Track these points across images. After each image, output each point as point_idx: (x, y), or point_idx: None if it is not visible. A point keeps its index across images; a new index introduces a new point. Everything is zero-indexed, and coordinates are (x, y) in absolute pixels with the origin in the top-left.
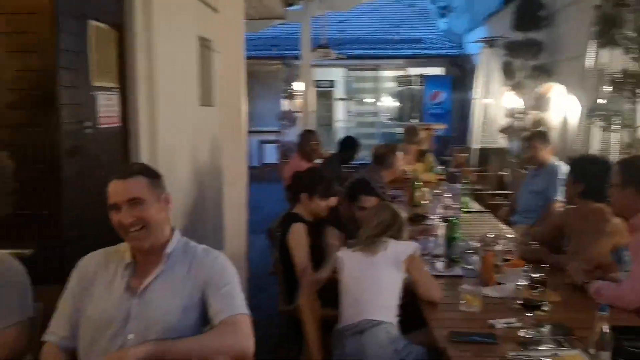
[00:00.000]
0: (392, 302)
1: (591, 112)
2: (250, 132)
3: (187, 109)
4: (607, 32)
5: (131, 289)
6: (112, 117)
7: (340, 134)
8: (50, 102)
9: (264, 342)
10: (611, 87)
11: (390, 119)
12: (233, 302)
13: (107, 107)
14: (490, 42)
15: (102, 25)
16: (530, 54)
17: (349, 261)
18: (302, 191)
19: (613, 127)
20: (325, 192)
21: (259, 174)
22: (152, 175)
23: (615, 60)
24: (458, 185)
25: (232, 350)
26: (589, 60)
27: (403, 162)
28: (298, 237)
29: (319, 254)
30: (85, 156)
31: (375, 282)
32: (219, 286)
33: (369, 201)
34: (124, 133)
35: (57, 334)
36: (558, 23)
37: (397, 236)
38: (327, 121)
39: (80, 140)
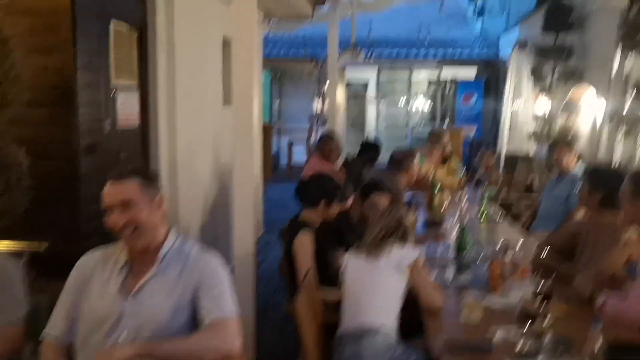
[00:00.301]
0: (392, 307)
1: (615, 118)
2: (281, 131)
3: (210, 108)
4: (632, 37)
5: (125, 289)
6: (131, 115)
7: (371, 135)
8: (69, 100)
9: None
10: (635, 94)
11: (422, 120)
12: (222, 304)
13: (126, 105)
14: (521, 45)
15: (123, 25)
16: (561, 57)
17: (352, 264)
18: (323, 197)
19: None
20: (342, 197)
21: (287, 173)
22: (146, 177)
23: (639, 67)
24: (479, 191)
25: (218, 352)
26: (615, 66)
27: (422, 167)
28: (304, 246)
29: (323, 258)
30: (103, 153)
31: (375, 286)
32: (210, 288)
33: (382, 199)
34: (144, 131)
35: (56, 329)
36: (588, 27)
37: (401, 240)
38: (359, 121)
39: (98, 138)
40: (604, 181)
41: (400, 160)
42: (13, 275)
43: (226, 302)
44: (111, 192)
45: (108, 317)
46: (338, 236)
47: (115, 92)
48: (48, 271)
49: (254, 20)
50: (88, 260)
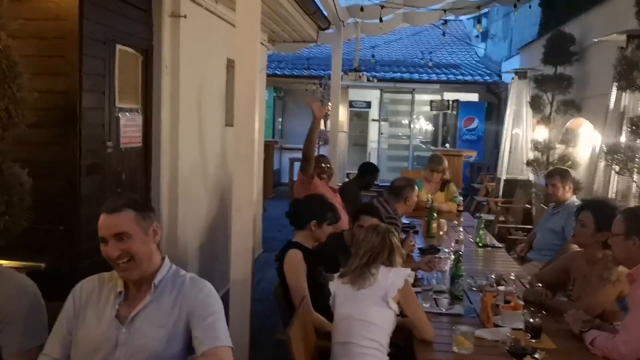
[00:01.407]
0: (382, 340)
1: (609, 153)
2: (283, 149)
3: (212, 130)
4: (627, 75)
5: (120, 317)
6: (134, 137)
7: (373, 155)
8: (72, 122)
9: None
10: (630, 130)
11: (424, 142)
12: (215, 334)
13: (129, 127)
14: (521, 73)
15: (129, 49)
16: (559, 88)
17: (340, 294)
18: (312, 219)
19: (629, 170)
20: (333, 218)
21: (289, 192)
22: (140, 209)
23: (635, 103)
24: (477, 218)
25: None
26: (611, 101)
27: (421, 193)
28: (294, 264)
29: (317, 281)
30: (105, 174)
31: (364, 321)
32: (203, 317)
33: (370, 222)
34: (146, 152)
35: (50, 355)
36: (587, 59)
37: (388, 262)
38: (362, 141)
39: (101, 159)
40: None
41: (400, 188)
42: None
43: (219, 332)
44: (106, 224)
45: (103, 345)
46: (331, 259)
47: (118, 114)
48: (46, 291)
49: (257, 43)
50: (84, 286)
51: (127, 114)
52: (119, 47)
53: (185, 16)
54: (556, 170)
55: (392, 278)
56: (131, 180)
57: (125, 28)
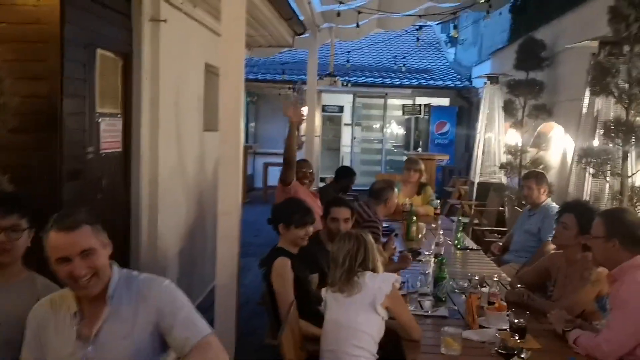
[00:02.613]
0: (371, 347)
1: (583, 157)
2: (256, 153)
3: (191, 135)
4: (601, 80)
5: (83, 337)
6: (114, 142)
7: (346, 159)
8: (53, 127)
9: None
10: (603, 133)
11: (396, 146)
12: (195, 326)
13: (109, 132)
14: (493, 78)
15: (109, 53)
16: (531, 93)
17: (330, 301)
18: (279, 222)
19: (603, 173)
20: (300, 220)
21: (262, 196)
22: (94, 222)
23: (608, 108)
24: (454, 221)
25: None
26: (584, 105)
27: (399, 195)
28: (281, 272)
29: (303, 287)
30: (86, 180)
31: (352, 328)
32: (173, 315)
33: (340, 212)
34: (125, 157)
35: None
36: (558, 65)
37: (368, 261)
38: (334, 145)
39: (81, 165)
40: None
41: (379, 190)
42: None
43: (198, 323)
44: (67, 241)
45: None
46: (312, 260)
47: (99, 119)
48: None
49: (242, 50)
50: (38, 313)
51: (108, 118)
52: (99, 51)
53: (165, 21)
54: (532, 173)
55: (379, 284)
56: (111, 186)
57: (105, 32)
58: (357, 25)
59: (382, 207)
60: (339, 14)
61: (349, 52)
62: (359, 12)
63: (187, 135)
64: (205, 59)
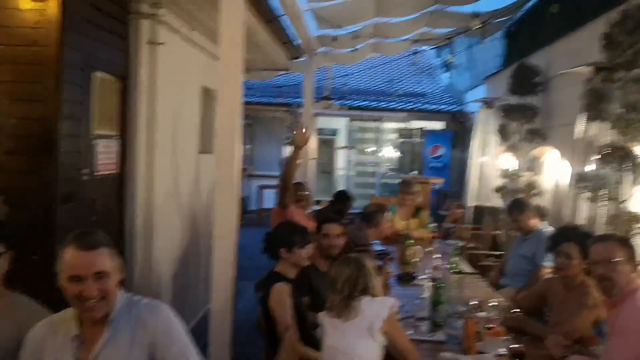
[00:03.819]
0: None
1: (578, 181)
2: (251, 176)
3: (187, 157)
4: (596, 105)
5: None
6: (110, 164)
7: (340, 182)
8: (49, 150)
9: None
10: (598, 158)
11: (391, 169)
12: None
13: (105, 154)
14: (487, 103)
15: (107, 75)
16: (525, 117)
17: (327, 326)
18: (280, 247)
19: (599, 198)
20: (303, 239)
21: (256, 219)
22: (112, 245)
23: (603, 133)
24: (450, 244)
25: None
26: (579, 130)
27: (395, 218)
28: (280, 298)
29: (300, 313)
30: (80, 202)
31: (350, 355)
32: (168, 347)
33: (331, 228)
34: (121, 180)
35: None
36: (552, 90)
37: (368, 288)
38: (328, 169)
39: (76, 187)
40: None
41: (371, 214)
42: None
43: (191, 356)
44: (84, 261)
45: None
46: (307, 282)
47: (95, 141)
48: None
49: (240, 73)
50: (37, 334)
51: (104, 140)
52: (96, 73)
53: (163, 43)
54: (512, 204)
55: (376, 309)
56: (105, 208)
57: (103, 54)
58: (355, 50)
59: (374, 230)
60: (335, 39)
61: (344, 75)
62: (355, 37)
63: (183, 157)
64: (202, 82)
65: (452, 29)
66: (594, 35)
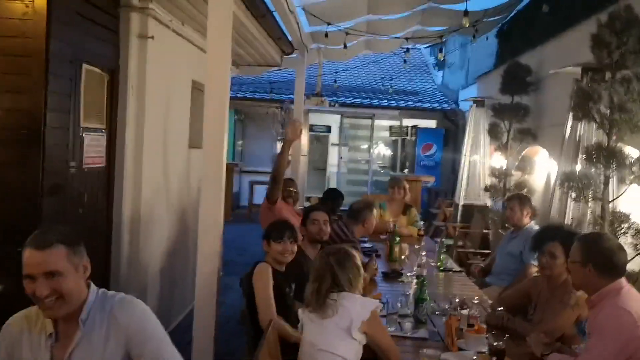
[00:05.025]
0: None
1: (566, 181)
2: (242, 172)
3: (176, 152)
4: (583, 105)
5: (56, 359)
6: (98, 157)
7: (333, 179)
8: (35, 141)
9: None
10: (585, 158)
11: (383, 167)
12: (162, 358)
13: (93, 147)
14: (479, 102)
15: (95, 69)
16: (516, 117)
17: (306, 322)
18: (263, 240)
19: (585, 198)
20: (277, 234)
21: (247, 215)
22: (72, 244)
23: (590, 133)
24: (437, 243)
25: None
26: (567, 130)
27: (384, 214)
28: (261, 276)
29: (285, 303)
30: (67, 195)
31: (329, 353)
32: (143, 344)
33: (318, 214)
34: (109, 173)
35: None
36: (543, 90)
37: (344, 284)
38: (321, 165)
39: (63, 180)
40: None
41: (357, 210)
42: None
43: (166, 353)
44: (35, 261)
45: None
46: (298, 271)
47: (83, 134)
48: (3, 313)
49: (228, 67)
50: (12, 328)
51: (92, 134)
52: (85, 66)
53: (152, 37)
54: (515, 195)
55: (357, 309)
56: (93, 201)
57: (92, 47)
58: (345, 47)
59: (360, 227)
60: (326, 35)
61: (336, 72)
62: (347, 34)
63: (172, 151)
64: (192, 76)
65: (444, 28)
66: (584, 36)
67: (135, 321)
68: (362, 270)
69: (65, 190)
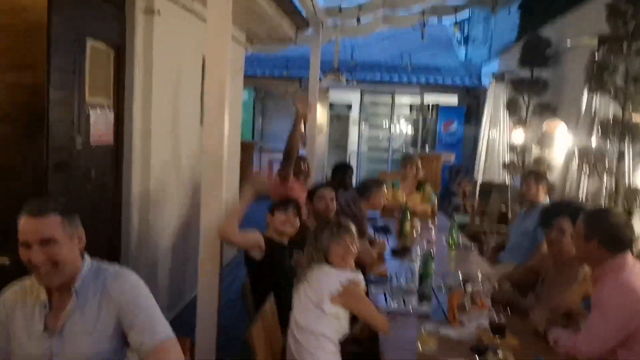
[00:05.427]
0: (327, 343)
1: (581, 155)
2: (262, 150)
3: (187, 129)
4: (598, 78)
5: (49, 329)
6: (105, 134)
7: (353, 157)
8: (39, 118)
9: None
10: (600, 132)
11: (404, 144)
12: (153, 330)
13: (100, 124)
14: (499, 77)
15: (100, 44)
16: (535, 91)
17: (294, 299)
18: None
19: (598, 172)
20: (282, 205)
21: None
22: (66, 213)
23: (606, 106)
24: (449, 220)
25: None
26: (583, 104)
27: (397, 193)
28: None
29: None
30: (73, 171)
31: (307, 329)
32: (134, 314)
33: (325, 191)
34: (117, 150)
35: None
36: (563, 63)
37: (332, 258)
38: (342, 143)
39: (69, 156)
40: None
41: (366, 186)
42: None
43: (157, 326)
44: (31, 228)
45: (38, 358)
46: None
47: (88, 110)
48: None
49: (228, 39)
50: (6, 298)
51: (98, 110)
52: (89, 42)
53: (159, 12)
54: (532, 172)
55: (328, 283)
56: (101, 178)
57: (96, 23)
58: (358, 21)
59: (366, 202)
60: (340, 10)
61: (355, 48)
62: (360, 8)
63: (182, 129)
64: (203, 52)
65: (463, 2)
66: (603, 7)
67: (127, 293)
68: (354, 245)
69: (72, 167)
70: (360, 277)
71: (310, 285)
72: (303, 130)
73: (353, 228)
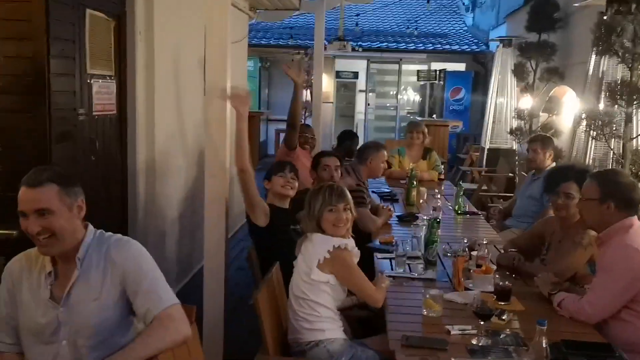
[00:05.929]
0: (325, 315)
1: (588, 119)
2: (269, 120)
3: (191, 99)
4: (605, 39)
5: (55, 297)
6: (107, 104)
7: (360, 126)
8: (40, 88)
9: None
10: (607, 95)
11: (411, 112)
12: (158, 297)
13: (102, 94)
14: (506, 42)
15: (100, 14)
16: (542, 55)
17: (294, 271)
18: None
19: (605, 136)
20: (279, 168)
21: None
22: (64, 183)
23: (614, 69)
24: (455, 187)
25: (175, 344)
26: (590, 67)
27: (405, 163)
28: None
29: (292, 240)
30: (77, 142)
31: (300, 298)
32: (138, 282)
33: (330, 160)
34: (121, 121)
35: (5, 342)
36: (571, 26)
37: (325, 224)
38: (349, 112)
39: (72, 127)
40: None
41: (362, 150)
42: None
43: (161, 292)
44: (27, 197)
45: (46, 327)
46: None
47: (90, 80)
48: None
49: (227, 6)
50: (13, 268)
51: (100, 81)
52: (89, 11)
53: None
54: (538, 137)
55: (312, 250)
56: (106, 149)
57: None
58: None
59: (365, 168)
60: None
61: (360, 15)
62: None
63: (186, 99)
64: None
65: None
66: None
67: (130, 260)
68: (348, 212)
69: (75, 137)
70: (350, 243)
71: (302, 254)
72: (305, 99)
73: (347, 194)
